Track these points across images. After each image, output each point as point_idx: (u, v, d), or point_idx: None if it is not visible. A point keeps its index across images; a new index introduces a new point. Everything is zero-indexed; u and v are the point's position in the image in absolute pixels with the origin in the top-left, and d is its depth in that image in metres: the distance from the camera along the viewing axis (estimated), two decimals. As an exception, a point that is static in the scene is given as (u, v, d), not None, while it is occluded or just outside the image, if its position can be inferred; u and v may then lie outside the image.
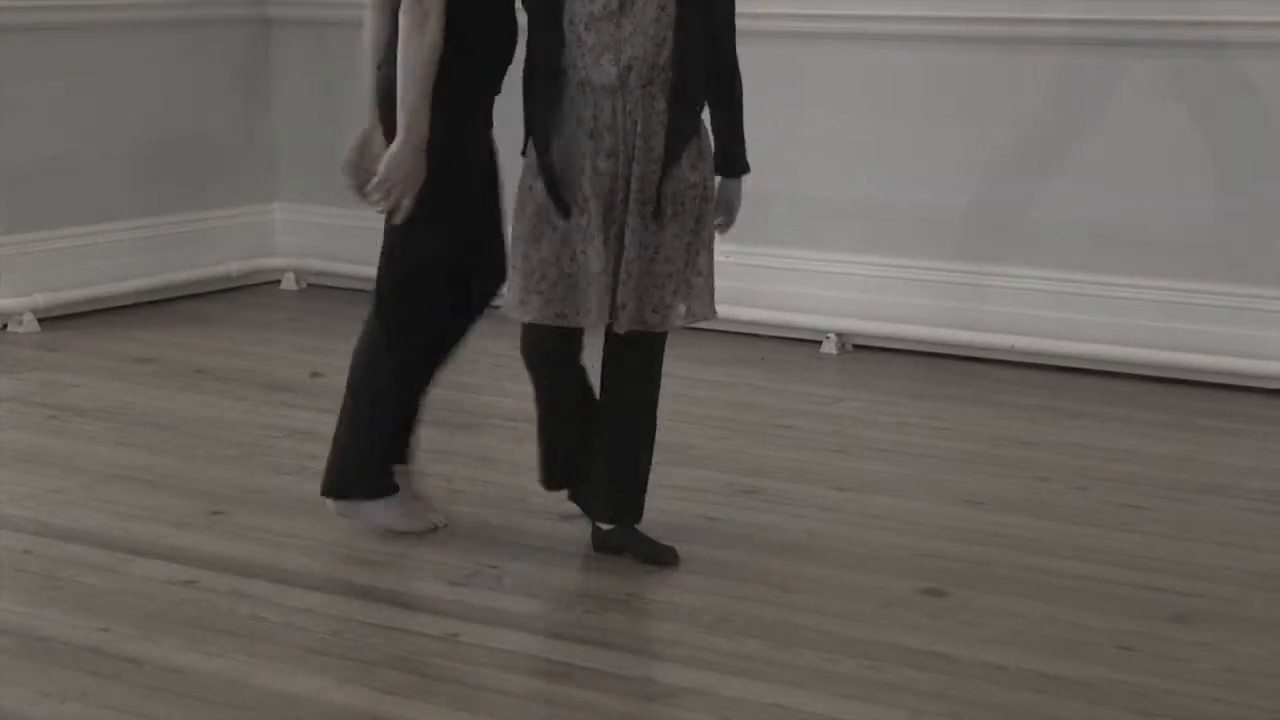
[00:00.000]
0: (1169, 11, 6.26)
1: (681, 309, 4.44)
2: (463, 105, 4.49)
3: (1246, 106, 6.19)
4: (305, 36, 7.96)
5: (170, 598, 4.40)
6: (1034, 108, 6.53)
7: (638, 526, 4.65)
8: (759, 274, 6.94)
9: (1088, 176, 6.47)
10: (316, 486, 5.17)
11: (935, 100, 6.66)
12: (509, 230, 4.54)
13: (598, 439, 4.60)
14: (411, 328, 4.66)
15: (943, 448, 5.63)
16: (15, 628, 4.22)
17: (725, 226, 4.60)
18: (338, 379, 6.42)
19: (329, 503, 4.81)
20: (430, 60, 4.39)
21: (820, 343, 6.83)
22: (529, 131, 4.44)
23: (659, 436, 4.64)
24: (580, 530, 4.72)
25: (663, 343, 4.54)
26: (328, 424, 5.56)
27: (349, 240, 7.91)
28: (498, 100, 4.59)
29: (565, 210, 4.36)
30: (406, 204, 4.44)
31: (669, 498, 4.91)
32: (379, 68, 4.62)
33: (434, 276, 4.61)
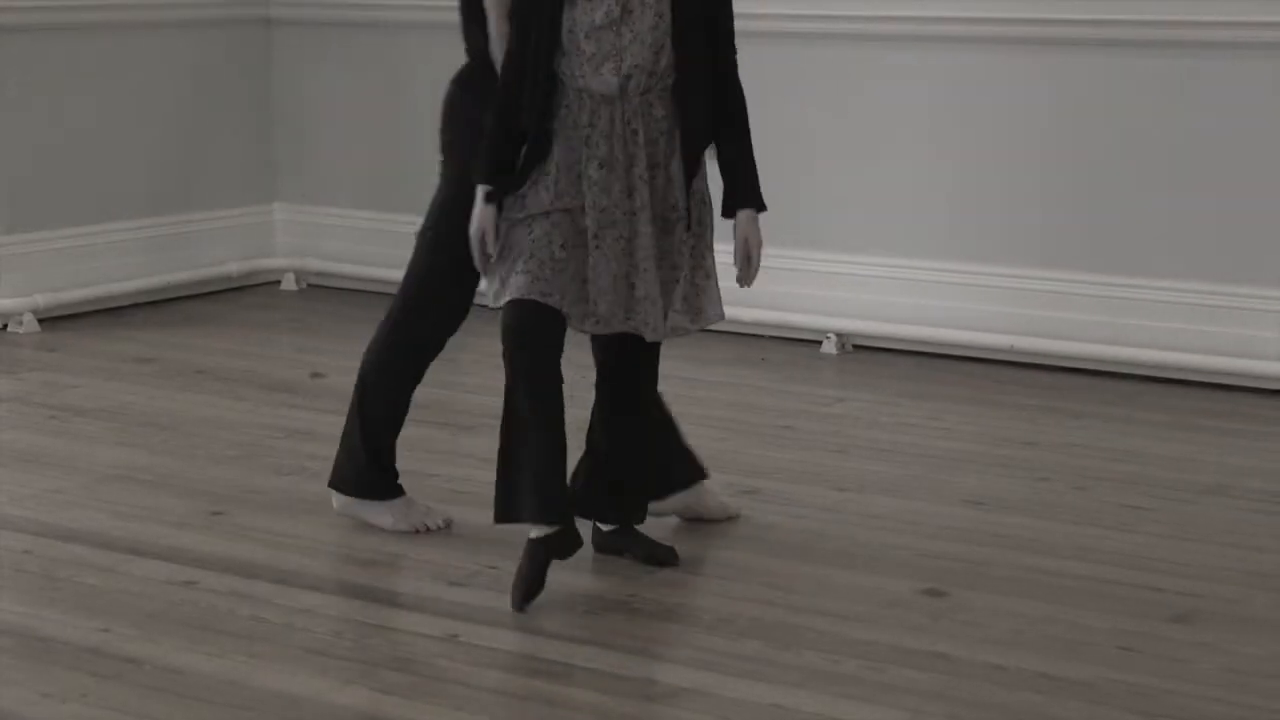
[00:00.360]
0: (1169, 11, 6.25)
1: (701, 313, 4.41)
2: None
3: (1247, 106, 6.19)
4: (305, 36, 7.96)
5: (170, 598, 4.39)
6: (1034, 108, 6.53)
7: (638, 527, 4.66)
8: (760, 274, 6.92)
9: (1088, 176, 6.47)
10: (316, 487, 5.19)
11: (935, 100, 6.66)
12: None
13: (597, 440, 4.59)
14: (421, 327, 4.70)
15: (943, 448, 5.63)
16: (15, 628, 4.21)
17: (748, 278, 4.44)
18: (338, 379, 6.44)
19: (333, 497, 4.84)
20: None
21: (820, 343, 6.83)
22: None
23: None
24: (580, 530, 4.71)
25: (658, 346, 4.53)
26: (328, 424, 5.56)
27: (349, 240, 7.92)
28: None
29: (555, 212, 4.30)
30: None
31: (669, 498, 4.91)
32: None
33: (448, 275, 4.63)
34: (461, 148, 4.49)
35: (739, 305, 6.88)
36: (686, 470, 4.85)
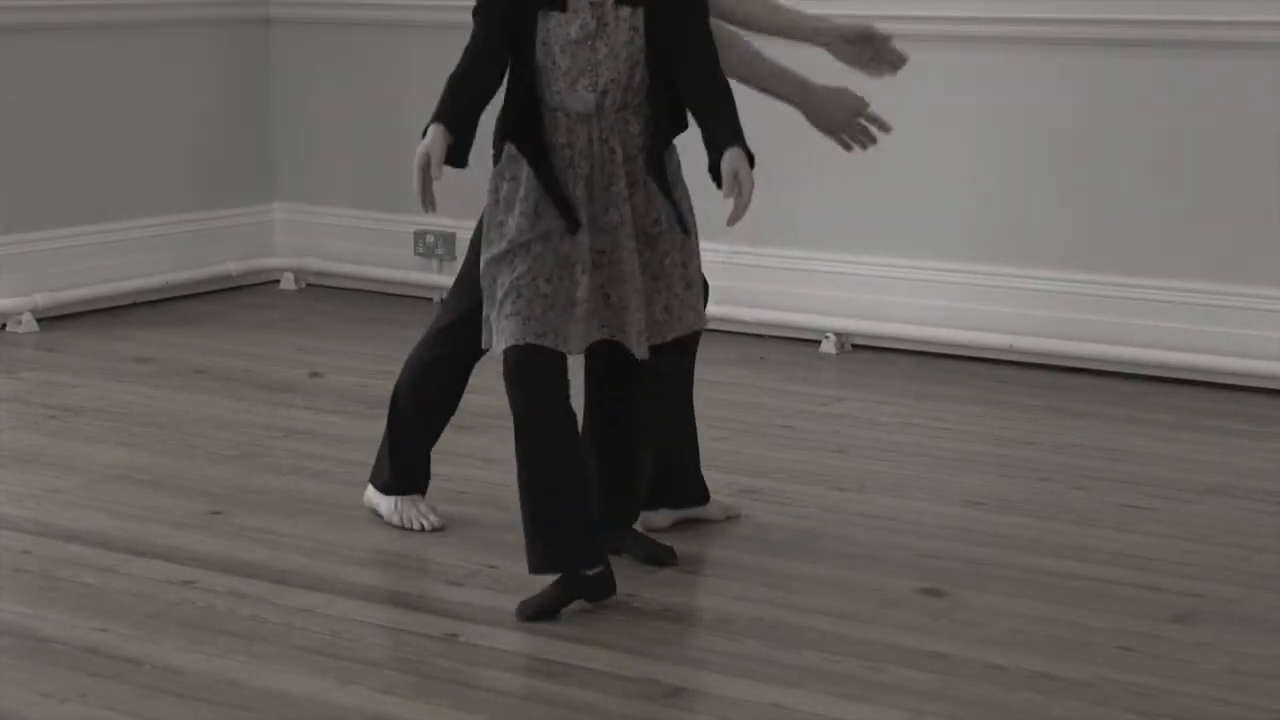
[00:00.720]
0: (1169, 11, 6.25)
1: (680, 321, 4.33)
2: None
3: (1248, 106, 6.18)
4: (305, 36, 7.95)
5: (169, 598, 4.39)
6: (1034, 107, 6.52)
7: (636, 526, 4.65)
8: (759, 274, 6.93)
9: (1088, 176, 6.47)
10: (316, 486, 5.19)
11: (936, 100, 6.65)
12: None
13: (588, 441, 4.56)
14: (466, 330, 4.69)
15: (943, 448, 5.62)
16: (14, 628, 4.21)
17: (738, 212, 4.12)
18: (336, 379, 6.44)
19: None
20: None
21: (819, 342, 6.83)
22: (499, 159, 4.28)
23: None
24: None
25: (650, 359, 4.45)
26: (327, 424, 5.56)
27: (348, 240, 7.92)
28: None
29: (542, 238, 4.19)
30: None
31: (669, 498, 4.90)
32: None
33: None
34: None
35: (739, 305, 6.94)
36: (686, 493, 4.83)
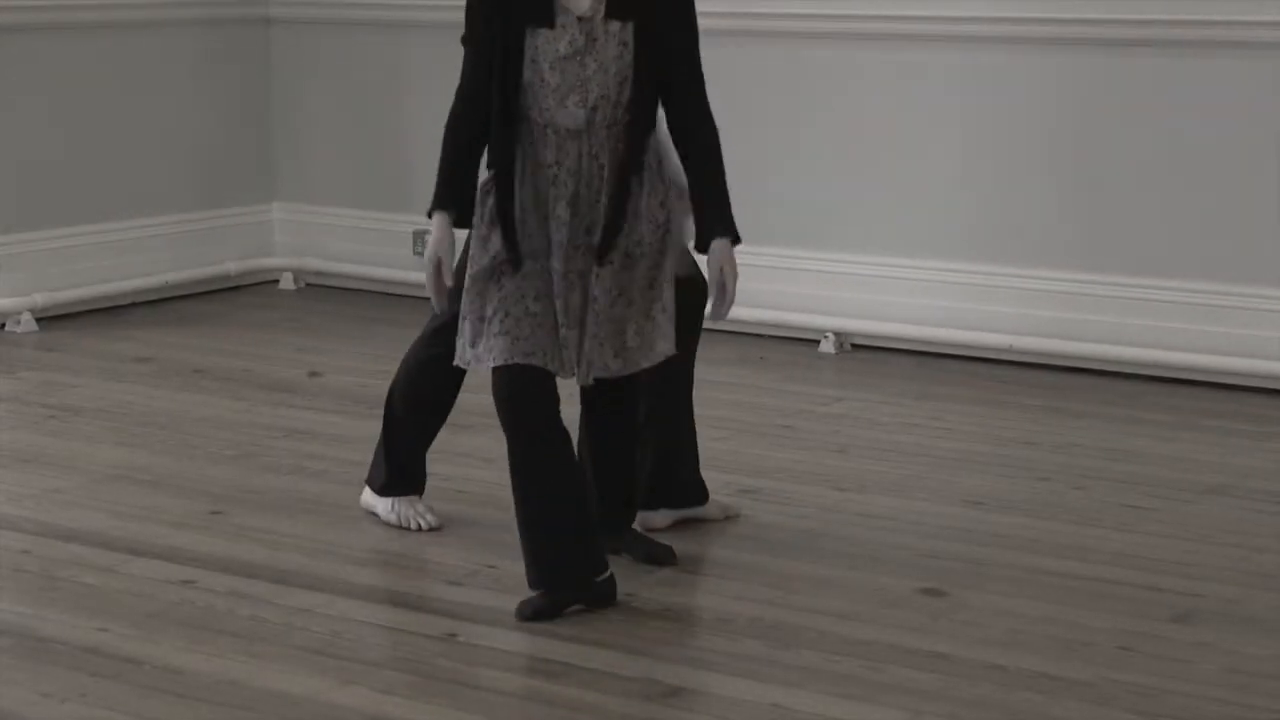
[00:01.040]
0: (1169, 11, 6.25)
1: (653, 349, 4.28)
2: None
3: (1248, 106, 6.18)
4: (305, 36, 7.95)
5: (169, 598, 4.39)
6: (1035, 107, 6.52)
7: (635, 526, 4.65)
8: (759, 274, 6.92)
9: (1089, 175, 6.46)
10: (315, 486, 5.19)
11: (935, 100, 6.65)
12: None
13: (582, 444, 4.56)
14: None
15: (943, 448, 5.62)
16: (14, 628, 4.21)
17: (722, 310, 4.26)
18: (336, 378, 6.43)
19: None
20: None
21: (819, 342, 6.83)
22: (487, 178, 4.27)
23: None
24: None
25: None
26: (326, 423, 5.56)
27: (348, 240, 7.92)
28: None
29: (518, 263, 4.18)
30: None
31: (669, 498, 4.90)
32: None
33: None
34: None
35: (738, 305, 6.87)
36: (686, 493, 4.83)
